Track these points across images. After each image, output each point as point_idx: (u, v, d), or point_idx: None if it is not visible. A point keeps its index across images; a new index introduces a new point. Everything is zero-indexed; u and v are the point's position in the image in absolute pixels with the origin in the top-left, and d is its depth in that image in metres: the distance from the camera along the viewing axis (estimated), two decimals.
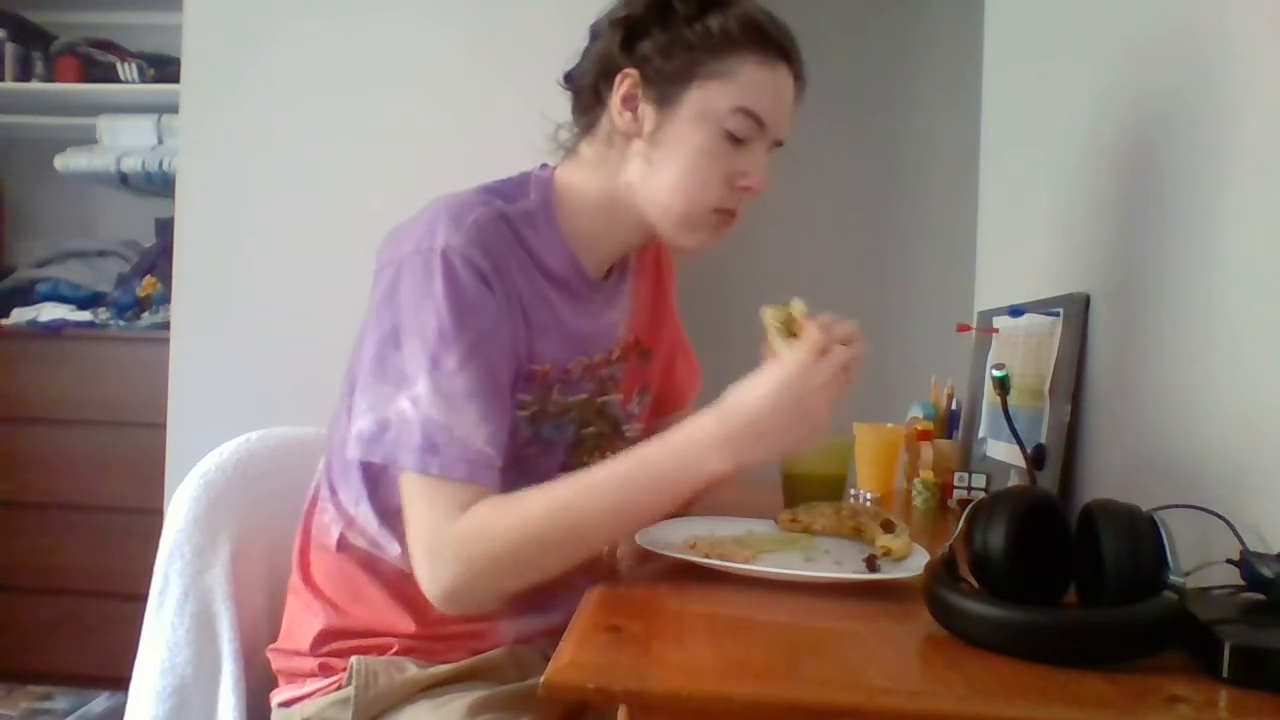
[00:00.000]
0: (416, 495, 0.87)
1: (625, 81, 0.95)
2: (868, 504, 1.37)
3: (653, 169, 0.96)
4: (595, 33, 1.01)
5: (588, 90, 1.00)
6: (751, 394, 0.85)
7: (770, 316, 0.90)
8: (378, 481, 0.95)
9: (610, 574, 0.88)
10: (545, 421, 0.97)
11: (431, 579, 0.85)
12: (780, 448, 0.87)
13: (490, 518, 0.84)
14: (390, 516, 0.93)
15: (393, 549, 0.95)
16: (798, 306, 0.90)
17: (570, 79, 1.03)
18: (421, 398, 0.85)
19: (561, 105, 1.05)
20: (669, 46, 0.94)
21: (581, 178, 1.00)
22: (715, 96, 0.94)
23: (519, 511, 0.85)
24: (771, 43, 0.95)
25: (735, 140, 0.95)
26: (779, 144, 0.99)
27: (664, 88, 0.94)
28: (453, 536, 0.84)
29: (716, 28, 0.93)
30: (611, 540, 0.90)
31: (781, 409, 0.84)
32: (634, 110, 0.96)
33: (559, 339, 0.97)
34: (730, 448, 0.84)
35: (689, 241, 0.98)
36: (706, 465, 0.84)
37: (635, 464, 0.86)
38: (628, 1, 0.98)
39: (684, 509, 0.94)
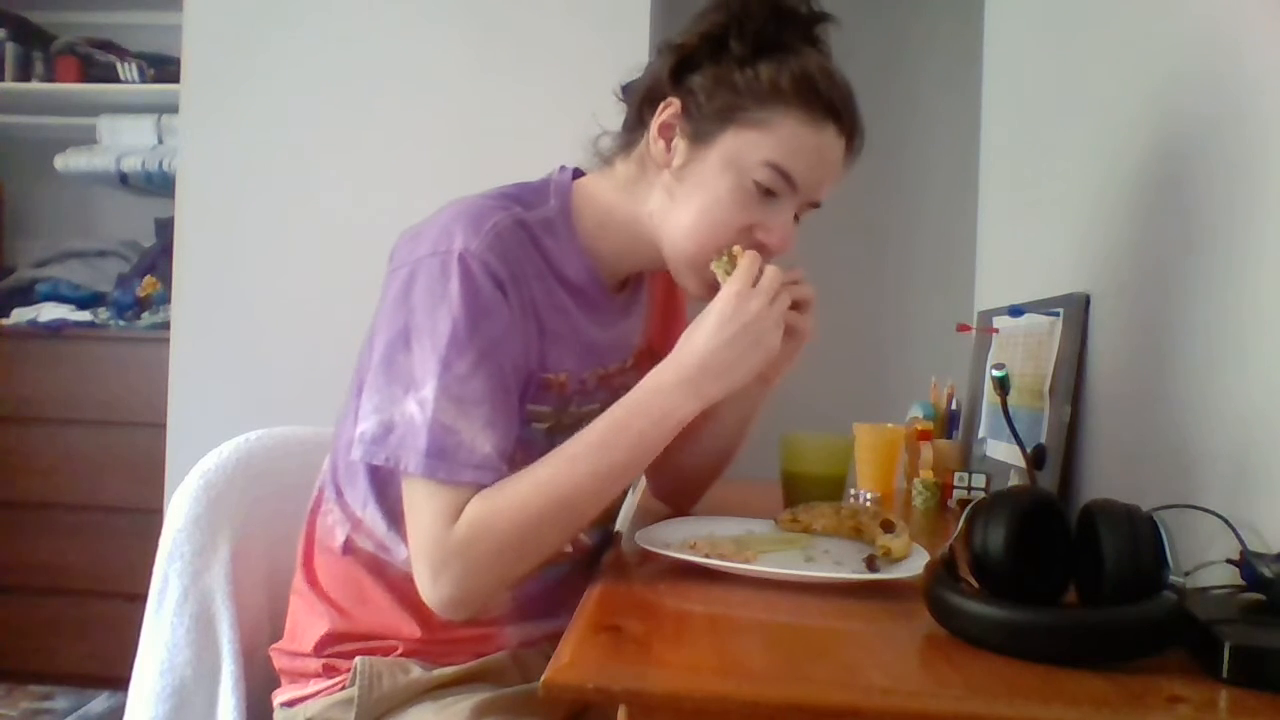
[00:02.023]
0: (420, 500, 0.86)
1: (666, 110, 0.94)
2: (868, 504, 1.37)
3: (673, 204, 0.94)
4: (660, 51, 0.98)
5: (633, 109, 0.99)
6: (698, 333, 0.88)
7: (716, 265, 0.93)
8: (386, 484, 0.95)
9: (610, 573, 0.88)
10: (560, 433, 0.96)
11: (433, 589, 0.85)
12: (739, 377, 0.88)
13: (485, 515, 0.84)
14: (399, 519, 0.92)
15: (400, 552, 0.95)
16: (738, 249, 0.92)
17: (625, 91, 1.02)
18: (429, 401, 0.85)
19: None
20: (714, 85, 0.92)
21: (608, 192, 0.99)
22: (748, 146, 0.91)
23: (511, 500, 0.85)
24: (820, 102, 0.91)
25: (765, 192, 0.92)
26: (816, 205, 0.97)
27: (701, 125, 0.92)
28: (455, 543, 0.84)
29: (766, 76, 0.91)
30: (602, 503, 0.91)
31: (729, 339, 0.87)
32: (668, 141, 0.94)
33: (574, 348, 0.97)
34: (691, 389, 0.87)
35: (692, 285, 0.97)
36: (675, 412, 0.88)
37: (607, 428, 0.88)
38: (687, 28, 0.95)
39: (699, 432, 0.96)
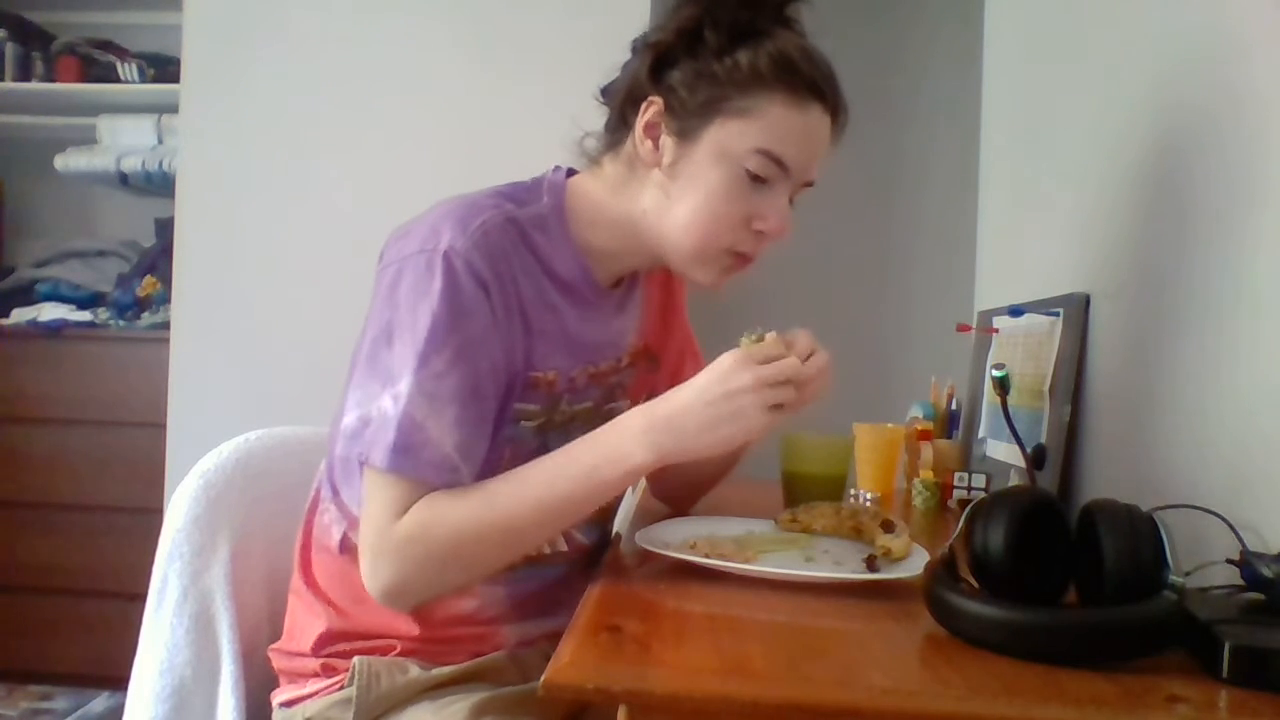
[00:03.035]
0: (376, 489, 0.87)
1: (649, 109, 0.93)
2: (868, 504, 1.37)
3: (668, 202, 0.94)
4: (634, 49, 0.98)
5: (616, 110, 0.98)
6: (679, 391, 0.86)
7: (745, 342, 0.89)
8: None
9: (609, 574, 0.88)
10: (552, 431, 0.97)
11: (372, 576, 0.87)
12: (705, 444, 0.85)
13: (428, 519, 0.85)
14: None
15: None
16: (773, 336, 0.89)
17: (605, 94, 1.01)
18: (403, 395, 0.85)
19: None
20: (695, 79, 0.92)
21: (599, 192, 0.98)
22: (736, 136, 0.90)
23: (457, 510, 0.85)
24: (803, 82, 0.90)
25: (757, 180, 0.91)
26: (809, 185, 0.96)
27: (686, 120, 0.92)
28: (395, 538, 0.85)
29: (745, 63, 0.90)
30: (547, 534, 0.91)
31: (705, 404, 0.84)
32: (655, 140, 0.94)
33: (563, 346, 0.97)
34: (649, 440, 0.85)
35: (701, 277, 0.96)
36: (628, 458, 0.85)
37: (564, 458, 0.87)
38: (662, 25, 0.95)
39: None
